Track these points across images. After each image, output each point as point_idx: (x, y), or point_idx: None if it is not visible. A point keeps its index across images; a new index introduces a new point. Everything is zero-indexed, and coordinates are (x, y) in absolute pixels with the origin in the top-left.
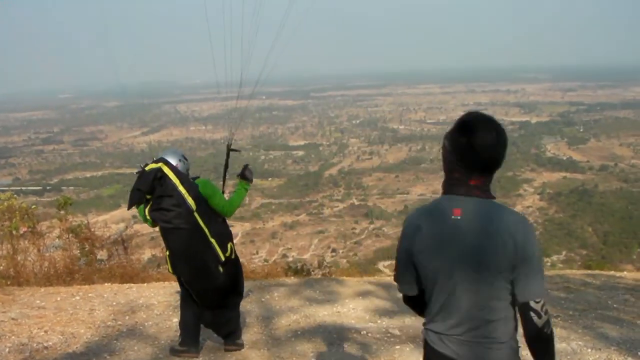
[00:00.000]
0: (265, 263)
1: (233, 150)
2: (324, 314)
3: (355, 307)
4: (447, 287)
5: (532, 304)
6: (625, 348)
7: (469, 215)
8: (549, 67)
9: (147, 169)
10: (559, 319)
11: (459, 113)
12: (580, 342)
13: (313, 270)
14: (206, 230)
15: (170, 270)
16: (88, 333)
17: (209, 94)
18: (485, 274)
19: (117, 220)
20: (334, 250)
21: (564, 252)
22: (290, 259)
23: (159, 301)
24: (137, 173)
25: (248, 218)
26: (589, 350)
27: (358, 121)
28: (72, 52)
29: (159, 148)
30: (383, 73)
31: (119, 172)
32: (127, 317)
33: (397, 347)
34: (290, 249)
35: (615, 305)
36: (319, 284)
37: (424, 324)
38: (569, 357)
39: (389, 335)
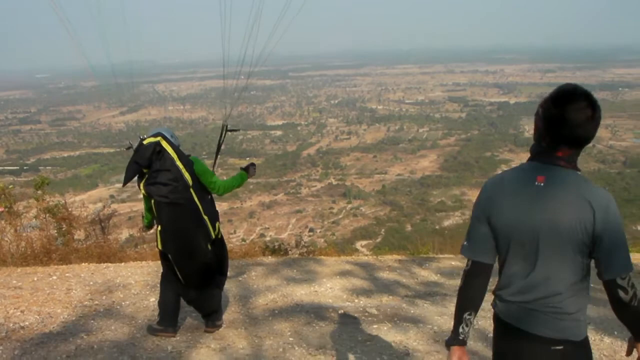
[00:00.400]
0: (243, 242)
1: (231, 130)
2: (302, 293)
3: (332, 287)
4: (522, 254)
5: (618, 280)
6: (602, 328)
7: (552, 183)
8: (528, 48)
9: (145, 142)
10: None
11: (438, 93)
12: None
13: (290, 250)
14: (200, 207)
15: (160, 246)
16: (65, 313)
17: (187, 74)
18: (562, 244)
19: (95, 200)
20: (311, 230)
21: None
22: (268, 238)
23: (136, 280)
24: (127, 148)
25: (226, 197)
26: None
27: (336, 101)
28: (51, 31)
29: (137, 128)
30: (362, 53)
31: (96, 152)
32: (104, 297)
33: (375, 326)
34: (268, 228)
35: (592, 285)
36: (297, 263)
37: (493, 292)
38: None
39: (366, 314)
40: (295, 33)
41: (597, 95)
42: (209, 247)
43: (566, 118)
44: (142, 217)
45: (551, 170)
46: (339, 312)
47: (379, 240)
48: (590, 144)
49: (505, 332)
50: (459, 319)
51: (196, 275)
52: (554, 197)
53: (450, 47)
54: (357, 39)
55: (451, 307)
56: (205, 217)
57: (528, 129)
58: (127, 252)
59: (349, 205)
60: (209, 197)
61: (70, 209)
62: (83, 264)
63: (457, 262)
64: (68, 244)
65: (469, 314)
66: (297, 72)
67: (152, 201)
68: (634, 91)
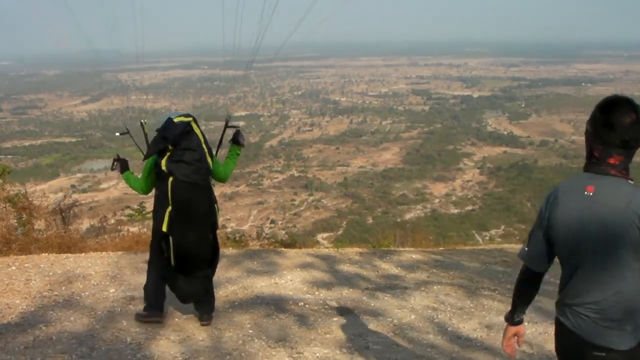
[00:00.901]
0: None
1: (231, 126)
2: (262, 285)
3: (293, 279)
4: (575, 263)
5: None
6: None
7: (601, 192)
8: (492, 42)
9: (175, 120)
10: (497, 292)
11: (401, 86)
12: None
13: (251, 242)
14: (214, 195)
15: (164, 228)
16: (24, 303)
17: (151, 63)
18: (613, 251)
19: (56, 189)
20: (272, 222)
21: (502, 227)
22: (229, 229)
23: (96, 271)
24: (122, 134)
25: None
26: (526, 323)
27: (300, 92)
28: (13, 18)
29: (100, 117)
30: (326, 45)
31: (58, 141)
32: (63, 288)
33: (335, 319)
34: (229, 219)
35: (551, 280)
36: (258, 255)
37: (558, 303)
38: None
39: (326, 307)
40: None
41: (561, 90)
42: (211, 236)
43: (613, 122)
44: (130, 184)
45: (601, 179)
46: (299, 304)
47: (340, 232)
48: (553, 139)
49: (563, 333)
50: (514, 308)
51: (192, 262)
52: (604, 205)
53: (414, 39)
54: (322, 31)
55: (411, 301)
56: (216, 206)
57: (491, 122)
58: (88, 242)
59: (311, 198)
60: (213, 185)
61: (30, 199)
62: (43, 254)
63: (418, 256)
64: (28, 234)
65: (523, 307)
66: (261, 63)
67: (170, 180)
68: (597, 86)
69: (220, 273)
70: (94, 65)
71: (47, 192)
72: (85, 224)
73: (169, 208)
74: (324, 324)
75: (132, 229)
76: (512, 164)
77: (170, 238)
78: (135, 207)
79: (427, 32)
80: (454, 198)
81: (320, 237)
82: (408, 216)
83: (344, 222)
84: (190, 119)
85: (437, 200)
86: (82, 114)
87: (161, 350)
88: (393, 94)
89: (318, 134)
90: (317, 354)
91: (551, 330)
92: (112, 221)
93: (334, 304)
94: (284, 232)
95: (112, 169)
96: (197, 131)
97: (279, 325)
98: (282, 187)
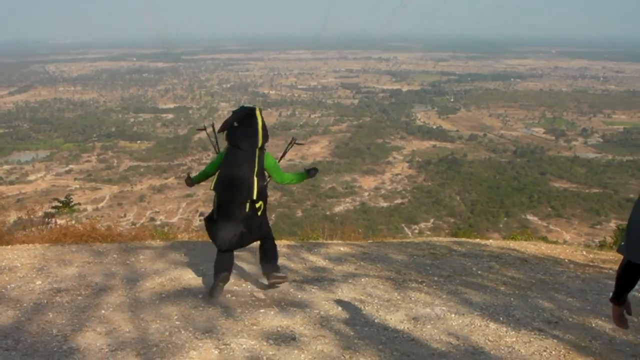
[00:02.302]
0: (133, 226)
1: (298, 143)
2: (190, 277)
3: None
4: None
5: None
6: (487, 313)
7: None
8: (421, 37)
9: (245, 105)
10: (424, 284)
11: (330, 79)
12: (444, 308)
13: (180, 234)
14: (256, 167)
15: (211, 186)
16: None
17: (79, 54)
18: None
19: None
20: (202, 214)
21: (431, 220)
22: (158, 222)
23: (23, 263)
24: (198, 129)
25: (116, 181)
26: (453, 315)
27: (228, 85)
28: None
29: (27, 109)
30: (255, 38)
31: None
32: None
33: (262, 310)
34: (159, 212)
35: (479, 272)
36: (185, 246)
37: None
38: (432, 322)
39: (253, 298)
40: (190, 15)
41: (490, 85)
42: (248, 206)
43: None
44: (190, 176)
45: None
46: (227, 296)
47: None
48: (482, 133)
49: None
50: (619, 293)
51: (226, 216)
52: None
53: (344, 33)
54: (251, 24)
55: (338, 293)
56: (255, 179)
57: (420, 116)
58: (15, 235)
59: None
60: (266, 182)
61: None
62: None
63: (346, 248)
64: None
65: (626, 293)
66: (190, 55)
67: (226, 147)
68: (525, 82)
69: (147, 265)
70: (19, 56)
71: None
72: (12, 216)
73: (219, 171)
74: (250, 316)
75: (60, 222)
76: (441, 157)
77: (215, 195)
78: (63, 199)
79: (357, 26)
80: (383, 191)
81: None
82: (337, 209)
83: (273, 215)
84: (257, 107)
85: (366, 194)
86: (9, 105)
87: (87, 342)
88: (322, 87)
89: None
90: (244, 345)
91: (477, 322)
92: (40, 214)
93: (261, 295)
94: None
95: (187, 182)
96: (259, 118)
97: (206, 317)
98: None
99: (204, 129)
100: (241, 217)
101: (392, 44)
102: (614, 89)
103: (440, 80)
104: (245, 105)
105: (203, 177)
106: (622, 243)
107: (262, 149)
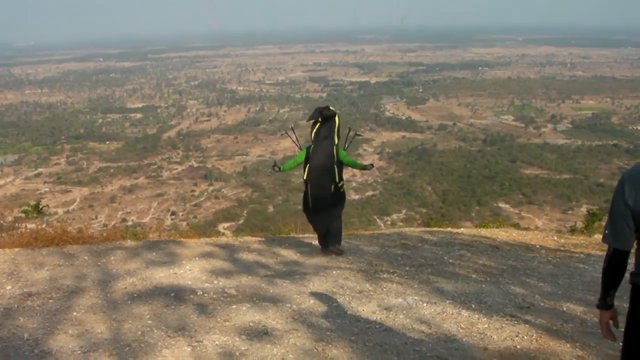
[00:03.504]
0: (105, 228)
1: (358, 135)
2: (161, 276)
3: (192, 269)
4: None
5: None
6: (459, 301)
7: None
8: (388, 28)
9: (331, 107)
10: (395, 274)
11: (298, 74)
12: (416, 297)
13: (152, 234)
14: (335, 157)
15: (305, 175)
16: None
17: (44, 56)
18: None
19: None
20: (173, 213)
21: (404, 211)
22: (130, 223)
23: None
24: (286, 132)
25: (86, 182)
26: (425, 304)
27: (196, 82)
28: None
29: None
30: (221, 34)
31: None
32: None
33: (234, 306)
34: (130, 212)
35: (451, 261)
36: (157, 246)
37: (635, 274)
38: (405, 311)
39: (225, 295)
40: (154, 12)
41: (458, 74)
42: (332, 186)
43: None
44: (278, 165)
45: None
46: (198, 293)
47: (241, 222)
48: (451, 122)
49: None
50: (605, 293)
51: (320, 201)
52: None
53: (311, 27)
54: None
55: (310, 286)
56: (336, 167)
57: (389, 108)
58: None
59: (211, 188)
60: (342, 166)
61: None
62: None
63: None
64: None
65: (613, 290)
66: (156, 54)
67: (311, 146)
68: (494, 70)
69: (119, 265)
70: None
71: None
72: None
73: (308, 164)
74: (223, 312)
75: (30, 226)
76: (412, 148)
77: (308, 185)
78: (33, 203)
79: (323, 19)
80: (354, 184)
81: (221, 227)
82: None
83: (245, 212)
84: (337, 112)
85: None
86: None
87: (59, 345)
88: (290, 81)
89: (216, 124)
90: (217, 342)
91: (449, 310)
92: (10, 218)
93: (233, 291)
94: (185, 223)
95: (275, 170)
96: (337, 120)
97: (178, 315)
98: (182, 178)
99: (286, 133)
100: (331, 195)
101: (360, 36)
102: (581, 75)
103: (409, 71)
104: (330, 108)
105: (293, 165)
106: (606, 232)
107: (337, 145)
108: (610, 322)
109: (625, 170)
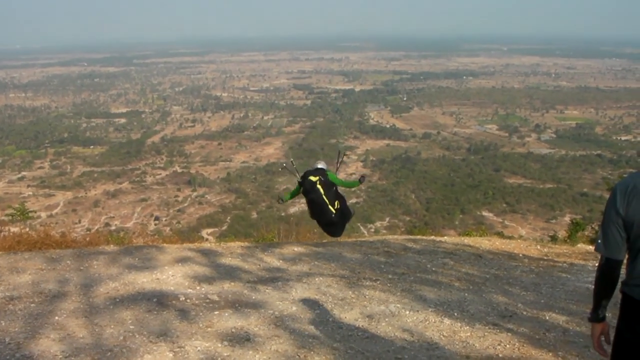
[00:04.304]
0: (88, 232)
1: (345, 154)
2: (143, 281)
3: (175, 274)
4: None
5: None
6: (442, 309)
7: None
8: (373, 37)
9: (309, 178)
10: (378, 282)
11: (283, 81)
12: (398, 305)
13: (135, 239)
14: (323, 196)
15: (310, 214)
16: None
17: (29, 60)
18: None
19: None
20: (157, 219)
21: (387, 219)
22: (113, 227)
23: None
24: (281, 169)
25: (70, 187)
26: (407, 312)
27: (181, 88)
28: None
29: None
30: (206, 40)
31: None
32: None
33: (216, 312)
34: (113, 217)
35: (434, 269)
36: (139, 251)
37: (625, 283)
38: (387, 319)
39: (207, 300)
40: (140, 18)
41: (442, 83)
42: (334, 212)
43: None
44: (281, 197)
45: None
46: (181, 299)
47: (224, 227)
48: (435, 131)
49: (632, 305)
50: (597, 304)
51: (325, 221)
52: None
53: (295, 34)
54: (201, 26)
55: (293, 293)
56: (326, 200)
57: (373, 116)
58: None
59: (194, 193)
60: (334, 188)
61: None
62: None
63: (300, 248)
64: None
65: (605, 301)
66: (141, 59)
67: (301, 189)
68: (478, 79)
69: (101, 270)
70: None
71: None
72: None
73: (306, 199)
74: (205, 318)
75: (13, 229)
76: (396, 156)
77: (312, 214)
78: (16, 206)
79: (309, 26)
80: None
81: (205, 232)
82: (292, 210)
83: (229, 217)
84: (317, 178)
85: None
86: None
87: (41, 350)
88: (274, 88)
89: (200, 130)
90: (198, 348)
91: (432, 318)
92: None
93: (215, 297)
94: (168, 228)
95: (279, 202)
96: (315, 179)
97: (161, 320)
98: (166, 184)
99: (285, 167)
100: (331, 217)
101: (344, 44)
102: (565, 85)
103: (393, 80)
104: (309, 173)
105: (292, 197)
106: (599, 241)
107: (321, 178)
108: (602, 337)
109: (618, 180)
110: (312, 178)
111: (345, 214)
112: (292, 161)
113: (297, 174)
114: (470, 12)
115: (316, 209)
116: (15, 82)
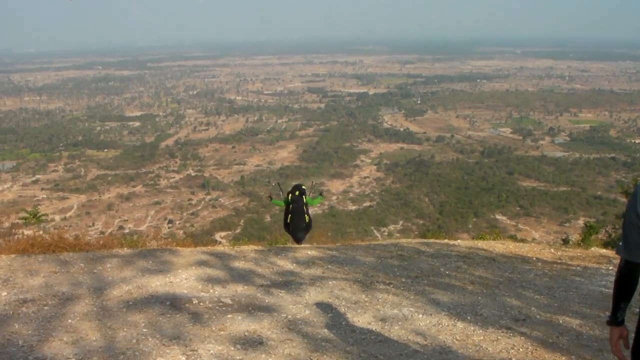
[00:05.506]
0: (101, 235)
1: (316, 183)
2: (157, 284)
3: (188, 277)
4: None
5: None
6: (455, 313)
7: None
8: (387, 40)
9: (296, 194)
10: (391, 286)
11: (297, 84)
12: (412, 308)
13: (149, 242)
14: (305, 207)
15: (288, 219)
16: None
17: (44, 64)
18: None
19: None
20: (170, 222)
21: (401, 222)
22: (127, 230)
23: None
24: (269, 198)
25: (83, 190)
26: (421, 315)
27: (195, 92)
28: None
29: None
30: (220, 44)
31: None
32: None
33: (229, 315)
34: (127, 220)
35: (447, 272)
36: (152, 254)
37: None
38: (400, 322)
39: (220, 304)
40: (154, 21)
41: (456, 86)
42: (306, 222)
43: None
44: (272, 197)
45: None
46: (194, 302)
47: (238, 231)
48: (449, 134)
49: None
50: (616, 307)
51: (299, 230)
52: None
53: (309, 38)
54: (215, 29)
55: (306, 296)
56: (305, 210)
57: (387, 119)
58: None
59: (208, 197)
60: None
61: None
62: None
63: (314, 252)
64: None
65: (624, 304)
66: (155, 63)
67: (290, 206)
68: (492, 82)
69: (115, 273)
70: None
71: None
72: None
73: (291, 209)
74: (218, 321)
75: (27, 232)
76: (409, 159)
77: (290, 221)
78: (30, 209)
79: (322, 30)
80: (351, 195)
81: (218, 235)
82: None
83: (242, 221)
84: (299, 193)
85: (334, 197)
86: None
87: (54, 352)
88: (289, 92)
89: (214, 133)
90: (211, 351)
91: (445, 322)
92: (7, 224)
93: (229, 301)
94: (182, 231)
95: (268, 199)
96: (304, 196)
97: (174, 324)
98: (179, 187)
99: (278, 185)
100: (305, 226)
101: (358, 48)
102: (579, 88)
103: (407, 83)
104: (302, 186)
105: (278, 204)
106: (620, 243)
107: (303, 200)
108: (621, 341)
109: (639, 182)
110: (298, 193)
111: (310, 225)
112: (278, 183)
113: (282, 194)
114: (484, 15)
115: (296, 216)
116: (30, 85)
